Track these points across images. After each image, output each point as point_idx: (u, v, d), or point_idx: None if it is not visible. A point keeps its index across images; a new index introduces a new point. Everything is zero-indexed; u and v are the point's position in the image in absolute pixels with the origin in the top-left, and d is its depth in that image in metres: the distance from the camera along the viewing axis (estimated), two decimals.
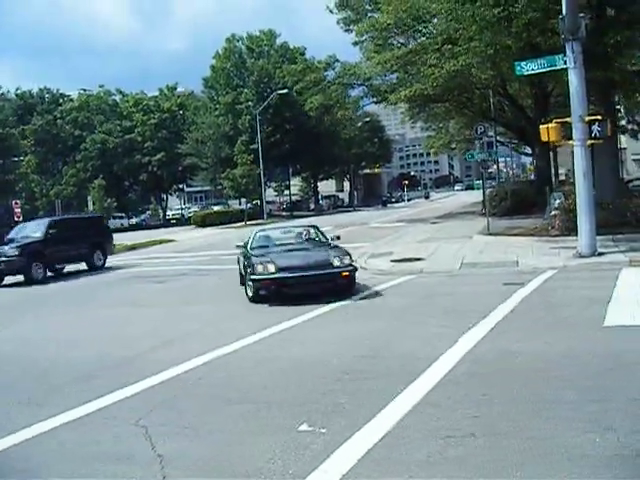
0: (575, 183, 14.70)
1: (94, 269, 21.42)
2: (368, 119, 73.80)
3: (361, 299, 11.64)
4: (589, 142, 14.03)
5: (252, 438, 5.18)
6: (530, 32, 17.35)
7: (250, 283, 12.03)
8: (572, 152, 14.54)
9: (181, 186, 77.69)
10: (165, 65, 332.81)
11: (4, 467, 5.00)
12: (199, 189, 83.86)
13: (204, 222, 50.74)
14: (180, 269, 19.68)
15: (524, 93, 32.34)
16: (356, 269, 12.44)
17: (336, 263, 11.80)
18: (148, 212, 73.06)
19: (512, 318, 8.98)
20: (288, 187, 67.59)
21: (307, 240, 13.94)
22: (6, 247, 19.35)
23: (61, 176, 67.67)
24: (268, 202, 59.25)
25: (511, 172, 73.06)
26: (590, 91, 15.10)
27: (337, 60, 38.14)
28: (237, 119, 58.18)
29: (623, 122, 35.54)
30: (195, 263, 21.14)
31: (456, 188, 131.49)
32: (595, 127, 13.81)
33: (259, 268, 11.66)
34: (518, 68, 15.36)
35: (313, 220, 35.65)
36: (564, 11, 13.73)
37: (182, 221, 62.10)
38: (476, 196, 49.10)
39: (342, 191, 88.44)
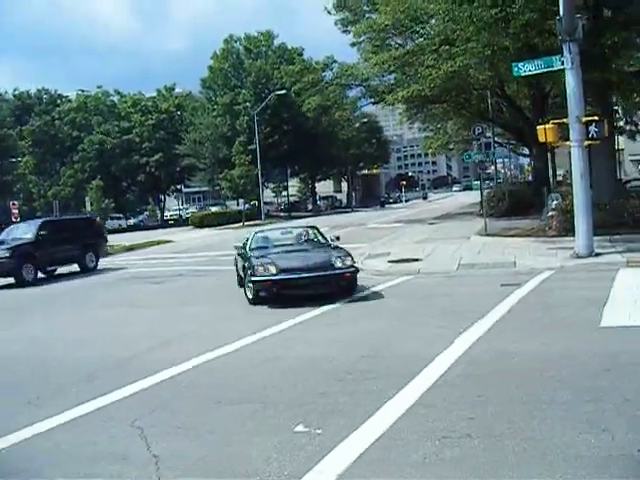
0: (572, 184, 14.72)
1: (86, 271, 21.17)
2: (366, 120, 73.81)
3: (358, 300, 11.63)
4: (586, 143, 14.06)
5: (248, 438, 5.18)
6: (527, 33, 17.36)
7: (250, 285, 11.85)
8: (569, 153, 14.55)
9: (179, 187, 77.77)
10: (165, 65, 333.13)
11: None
12: (197, 190, 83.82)
13: (202, 223, 50.73)
14: (178, 270, 19.66)
15: (522, 94, 32.34)
16: (358, 270, 12.31)
17: (338, 264, 11.66)
18: (146, 213, 72.96)
19: (509, 319, 8.98)
20: (286, 188, 67.54)
21: (307, 241, 13.80)
22: None
23: (59, 177, 67.72)
24: (266, 203, 59.22)
25: (509, 173, 73.20)
26: (587, 92, 15.13)
27: (335, 61, 38.27)
28: (235, 120, 58.23)
29: (621, 123, 35.62)
30: (193, 264, 21.13)
31: (454, 189, 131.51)
32: (592, 128, 13.83)
33: (260, 269, 11.51)
34: (515, 69, 15.38)
35: (311, 221, 35.67)
36: (561, 12, 13.75)
37: (180, 222, 62.06)
38: (474, 197, 49.05)
39: (340, 192, 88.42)
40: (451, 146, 53.05)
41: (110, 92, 73.22)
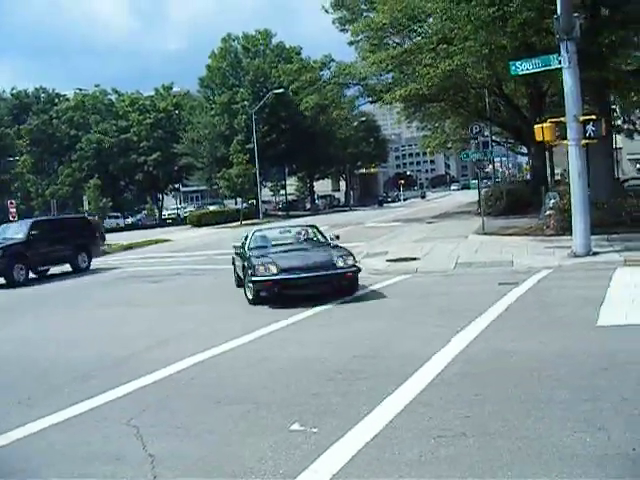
0: (570, 183, 14.72)
1: (78, 271, 20.89)
2: (364, 119, 73.74)
3: (356, 299, 11.59)
4: (583, 142, 14.05)
5: (243, 438, 5.17)
6: (525, 32, 17.38)
7: (250, 285, 11.68)
8: (567, 152, 14.54)
9: (177, 186, 77.68)
10: (165, 65, 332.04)
11: None
12: (195, 189, 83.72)
13: (200, 222, 50.66)
14: (176, 269, 19.64)
15: (520, 93, 32.37)
16: (359, 269, 12.10)
17: (340, 264, 11.52)
18: (144, 212, 72.94)
19: (507, 317, 8.98)
20: (284, 187, 67.51)
21: (307, 240, 13.63)
22: None
23: (57, 176, 67.62)
24: (264, 202, 59.16)
25: (507, 172, 73.24)
26: (585, 91, 15.13)
27: (333, 60, 38.27)
28: (233, 119, 58.19)
29: (619, 122, 35.65)
30: (191, 263, 21.11)
31: (452, 188, 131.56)
32: (589, 127, 13.84)
33: (260, 269, 11.34)
34: (513, 68, 15.36)
35: (309, 220, 35.64)
36: (559, 11, 13.74)
37: (178, 221, 61.97)
38: (472, 196, 48.98)
39: (338, 191, 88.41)
40: (449, 145, 53.01)
41: (108, 91, 73.20)
